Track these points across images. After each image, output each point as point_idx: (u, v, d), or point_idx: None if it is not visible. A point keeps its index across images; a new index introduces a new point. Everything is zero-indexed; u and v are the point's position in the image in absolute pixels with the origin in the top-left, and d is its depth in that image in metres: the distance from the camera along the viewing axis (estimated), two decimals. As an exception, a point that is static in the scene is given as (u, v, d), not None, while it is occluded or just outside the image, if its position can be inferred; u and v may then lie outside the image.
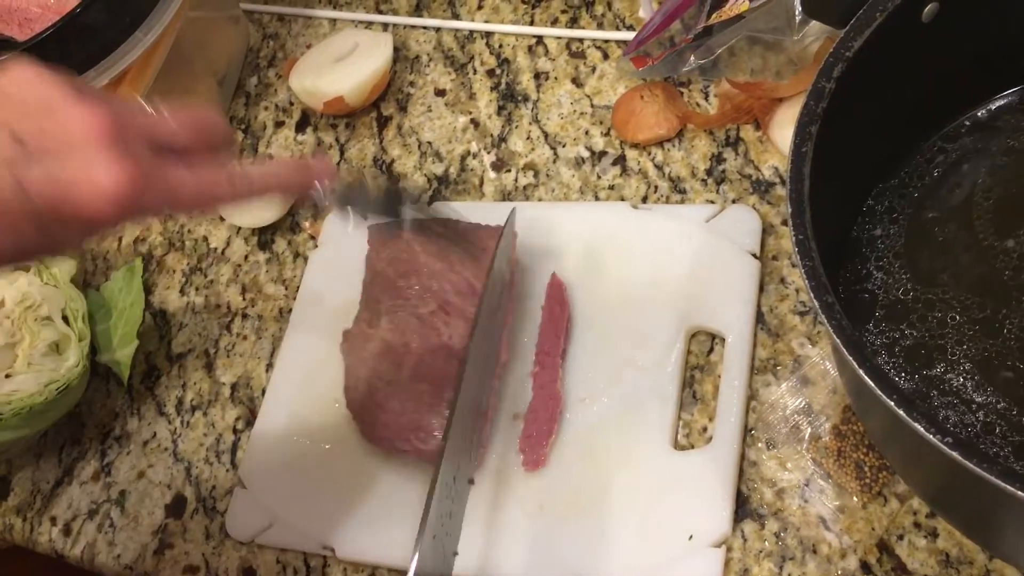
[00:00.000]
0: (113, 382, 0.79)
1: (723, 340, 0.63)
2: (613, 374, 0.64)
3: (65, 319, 0.75)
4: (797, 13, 0.64)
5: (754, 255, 0.64)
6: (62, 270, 0.76)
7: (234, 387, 0.75)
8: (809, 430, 0.59)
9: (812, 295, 0.43)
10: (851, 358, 0.41)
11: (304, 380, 0.71)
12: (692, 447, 0.61)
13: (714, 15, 0.70)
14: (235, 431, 0.73)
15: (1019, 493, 0.37)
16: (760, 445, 0.59)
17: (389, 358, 0.65)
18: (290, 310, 0.76)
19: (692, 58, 0.71)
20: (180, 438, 0.75)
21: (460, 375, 0.56)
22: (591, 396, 0.64)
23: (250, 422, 0.72)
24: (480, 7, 0.85)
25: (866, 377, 0.41)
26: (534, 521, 0.61)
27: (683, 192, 0.70)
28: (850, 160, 0.52)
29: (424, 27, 0.86)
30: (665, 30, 0.72)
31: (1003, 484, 0.37)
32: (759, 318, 0.63)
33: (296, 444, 0.69)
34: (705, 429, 0.61)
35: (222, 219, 0.83)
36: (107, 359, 0.76)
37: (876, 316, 0.54)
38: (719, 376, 0.61)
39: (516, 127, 0.77)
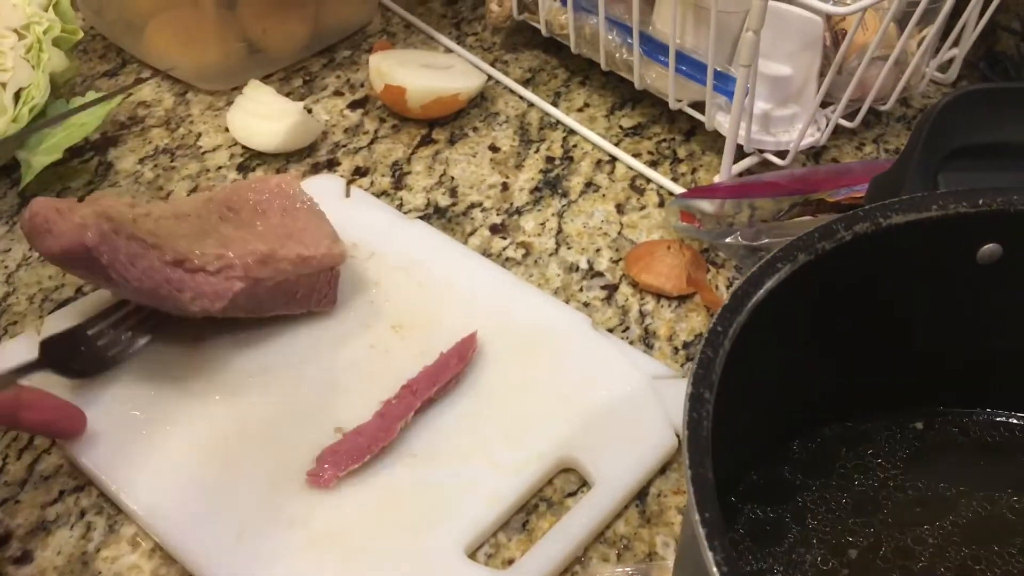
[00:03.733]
0: (15, 184, 0.71)
1: (589, 487, 0.52)
2: (461, 452, 0.54)
3: (16, 96, 0.69)
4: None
5: (678, 435, 0.55)
6: (53, 60, 0.71)
7: (112, 256, 0.67)
8: (615, 625, 0.47)
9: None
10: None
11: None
12: (486, 565, 0.49)
13: (790, 219, 0.65)
14: (79, 291, 0.64)
15: None
16: (555, 610, 0.48)
17: None
18: (217, 227, 0.68)
19: (738, 235, 0.64)
20: (25, 267, 0.66)
21: None
22: (424, 457, 0.53)
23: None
24: (580, 109, 0.81)
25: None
26: (273, 536, 0.50)
27: (650, 347, 0.61)
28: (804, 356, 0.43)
29: (521, 96, 0.82)
30: (727, 201, 0.66)
31: None
32: (641, 494, 0.53)
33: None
34: (511, 561, 0.50)
35: (226, 130, 0.78)
36: (23, 156, 0.69)
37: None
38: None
39: (538, 211, 0.71)
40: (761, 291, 0.38)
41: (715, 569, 0.28)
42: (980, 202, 0.42)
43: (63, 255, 0.52)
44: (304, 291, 0.59)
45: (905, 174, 0.47)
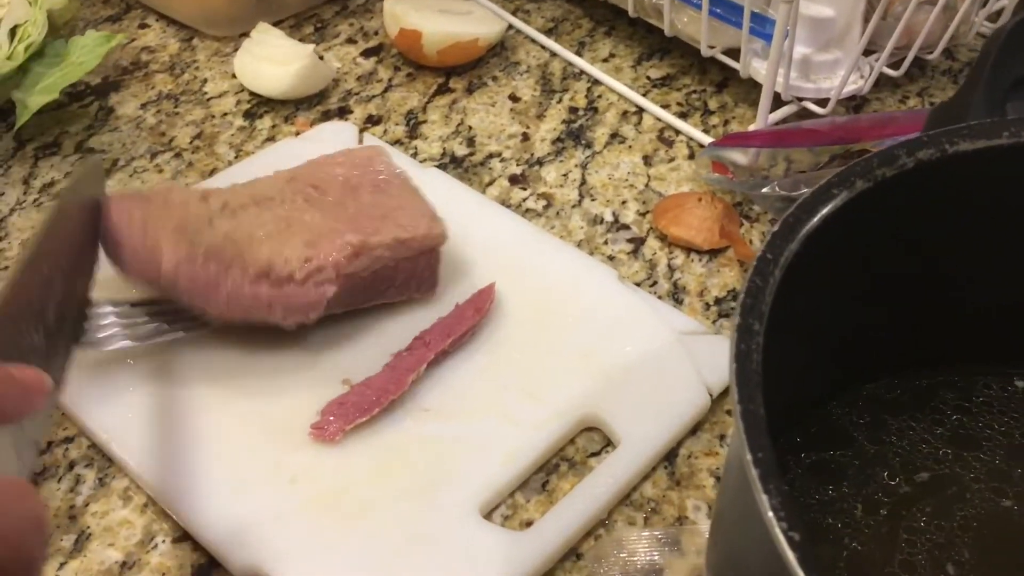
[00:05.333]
0: (10, 128, 0.68)
1: (614, 447, 0.49)
2: (478, 408, 0.50)
3: (12, 33, 0.65)
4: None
5: (710, 394, 0.51)
6: (51, -2, 0.68)
7: (110, 202, 0.63)
8: (642, 592, 0.43)
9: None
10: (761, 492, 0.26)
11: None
12: (502, 526, 0.46)
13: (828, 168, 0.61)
14: (74, 236, 0.61)
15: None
16: (576, 576, 0.44)
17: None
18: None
19: (775, 185, 0.60)
20: (19, 212, 0.63)
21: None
22: (437, 412, 0.50)
23: (94, 235, 0.60)
24: (606, 60, 0.77)
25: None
26: (273, 491, 0.46)
27: (679, 302, 0.57)
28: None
29: (543, 46, 0.78)
30: (762, 152, 0.62)
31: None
32: (671, 456, 0.49)
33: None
34: (530, 523, 0.46)
35: (233, 76, 0.74)
36: (19, 96, 0.66)
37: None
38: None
39: (560, 161, 0.67)
40: (815, 218, 0.34)
41: (771, 514, 0.24)
42: (1057, 129, 0.37)
43: (137, 279, 0.49)
44: (403, 277, 0.53)
45: (970, 102, 0.42)
